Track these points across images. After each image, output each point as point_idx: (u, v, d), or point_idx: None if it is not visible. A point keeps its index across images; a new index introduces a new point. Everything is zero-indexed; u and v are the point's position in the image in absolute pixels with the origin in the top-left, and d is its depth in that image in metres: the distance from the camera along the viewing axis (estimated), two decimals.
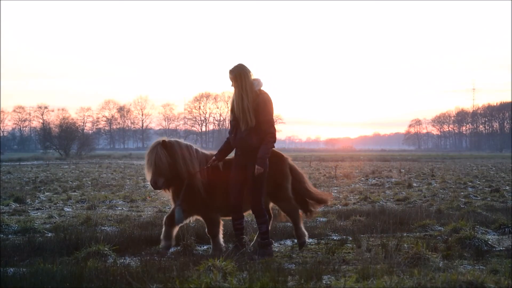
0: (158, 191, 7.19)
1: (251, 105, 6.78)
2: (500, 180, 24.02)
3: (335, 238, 8.61)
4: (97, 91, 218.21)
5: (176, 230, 7.28)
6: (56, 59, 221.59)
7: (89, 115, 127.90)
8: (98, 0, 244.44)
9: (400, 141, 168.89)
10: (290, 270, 6.00)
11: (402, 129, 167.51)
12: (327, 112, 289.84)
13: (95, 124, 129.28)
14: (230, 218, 7.19)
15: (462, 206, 13.07)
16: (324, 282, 5.43)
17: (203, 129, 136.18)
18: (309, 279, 5.43)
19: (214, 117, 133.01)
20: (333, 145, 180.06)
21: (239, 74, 6.82)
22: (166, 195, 7.36)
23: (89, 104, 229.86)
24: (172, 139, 7.05)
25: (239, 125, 6.89)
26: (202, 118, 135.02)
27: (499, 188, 18.55)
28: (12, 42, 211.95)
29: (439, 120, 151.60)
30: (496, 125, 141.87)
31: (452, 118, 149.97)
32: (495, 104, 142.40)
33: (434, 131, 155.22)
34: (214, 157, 7.09)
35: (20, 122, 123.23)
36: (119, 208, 13.69)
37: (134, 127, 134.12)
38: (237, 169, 6.98)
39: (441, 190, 18.63)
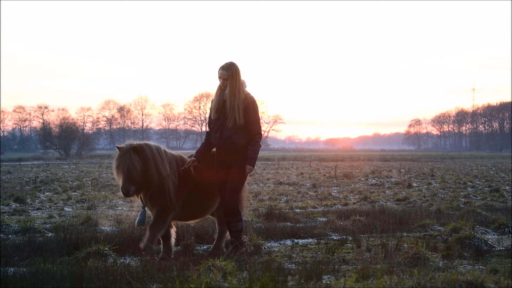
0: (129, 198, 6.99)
1: (241, 104, 6.74)
2: (500, 180, 24.03)
3: (335, 238, 8.61)
4: (97, 91, 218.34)
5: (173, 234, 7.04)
6: (56, 59, 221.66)
7: (89, 115, 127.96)
8: (98, 0, 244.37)
9: (400, 141, 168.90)
10: (290, 270, 6.00)
11: (402, 129, 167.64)
12: (327, 112, 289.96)
13: (95, 124, 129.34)
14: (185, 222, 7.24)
15: (462, 206, 13.08)
16: (324, 282, 5.43)
17: (203, 129, 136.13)
18: (309, 279, 5.43)
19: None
20: (333, 145, 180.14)
21: (235, 72, 6.74)
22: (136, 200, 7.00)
23: (89, 104, 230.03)
24: (142, 143, 6.73)
25: (224, 124, 6.74)
26: (202, 118, 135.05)
27: (499, 188, 18.55)
28: (12, 42, 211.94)
29: (439, 120, 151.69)
30: (496, 125, 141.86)
31: (452, 118, 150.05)
32: (495, 104, 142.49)
33: (434, 131, 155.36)
34: (194, 158, 6.88)
35: (20, 122, 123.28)
36: (119, 208, 13.69)
37: (134, 127, 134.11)
38: (223, 169, 6.84)
39: (441, 190, 18.64)
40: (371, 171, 31.77)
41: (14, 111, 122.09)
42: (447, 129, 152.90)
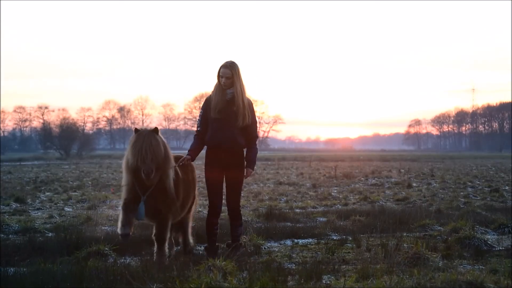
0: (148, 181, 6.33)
1: (247, 104, 6.67)
2: (500, 180, 24.03)
3: (335, 238, 8.61)
4: (98, 91, 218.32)
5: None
6: (56, 59, 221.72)
7: (89, 115, 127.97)
8: (98, 0, 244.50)
9: (399, 141, 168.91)
10: (290, 269, 6.00)
11: (402, 129, 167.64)
12: (327, 112, 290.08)
13: (96, 124, 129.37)
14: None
15: (461, 206, 13.08)
16: (324, 282, 5.43)
17: None
18: (309, 279, 5.43)
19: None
20: (333, 145, 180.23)
21: (239, 71, 6.65)
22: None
23: (90, 104, 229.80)
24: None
25: (229, 124, 6.60)
26: None
27: (499, 188, 18.56)
28: (12, 42, 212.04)
29: (439, 120, 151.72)
30: (495, 125, 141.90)
31: (452, 118, 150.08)
32: (494, 104, 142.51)
33: (434, 131, 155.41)
34: (188, 155, 6.66)
35: (20, 122, 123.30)
36: (120, 208, 13.66)
37: (135, 127, 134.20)
38: (218, 169, 6.70)
39: (440, 190, 18.64)
40: (371, 171, 31.78)
41: (15, 111, 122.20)
42: (447, 129, 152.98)
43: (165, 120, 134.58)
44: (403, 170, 33.50)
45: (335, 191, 18.76)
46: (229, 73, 6.58)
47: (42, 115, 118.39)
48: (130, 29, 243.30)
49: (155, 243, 6.56)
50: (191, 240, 7.37)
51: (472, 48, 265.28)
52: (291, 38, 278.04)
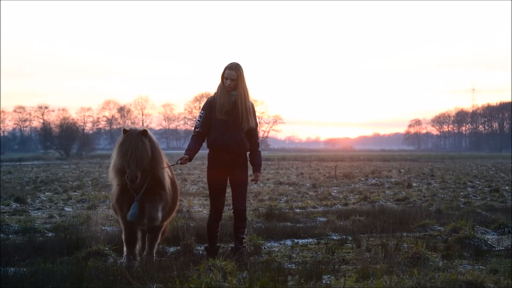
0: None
1: (251, 106, 6.63)
2: (500, 180, 24.03)
3: (335, 238, 8.61)
4: (98, 91, 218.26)
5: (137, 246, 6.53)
6: (56, 59, 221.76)
7: (89, 115, 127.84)
8: (98, 0, 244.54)
9: (399, 141, 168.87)
10: (290, 269, 6.00)
11: (402, 129, 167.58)
12: (327, 112, 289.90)
13: (96, 124, 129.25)
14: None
15: (461, 206, 13.08)
16: (324, 282, 5.43)
17: None
18: (309, 279, 5.43)
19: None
20: (333, 145, 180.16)
21: (243, 73, 6.57)
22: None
23: (90, 104, 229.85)
24: (146, 128, 6.32)
25: (235, 126, 6.52)
26: None
27: (499, 188, 18.56)
28: (12, 42, 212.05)
29: (439, 120, 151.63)
30: (495, 125, 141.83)
31: (452, 118, 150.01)
32: (494, 104, 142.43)
33: (434, 131, 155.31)
34: (186, 155, 6.46)
35: (20, 122, 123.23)
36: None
37: (135, 127, 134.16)
38: (222, 172, 6.60)
39: (440, 190, 18.64)
40: (371, 171, 31.78)
41: (14, 111, 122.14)
42: (447, 129, 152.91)
43: (165, 120, 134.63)
44: (403, 170, 33.50)
45: (335, 191, 18.76)
46: (234, 75, 6.49)
47: (42, 115, 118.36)
48: (130, 29, 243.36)
49: (147, 245, 6.46)
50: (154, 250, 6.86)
51: (472, 48, 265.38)
52: (291, 38, 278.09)
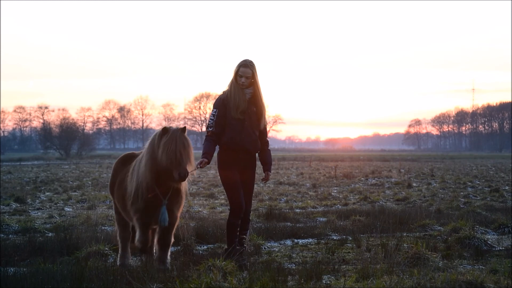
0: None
1: (264, 105, 6.50)
2: (500, 180, 24.03)
3: (335, 238, 8.61)
4: (98, 91, 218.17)
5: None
6: (56, 59, 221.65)
7: (89, 115, 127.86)
8: (98, 0, 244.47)
9: (399, 141, 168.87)
10: (290, 269, 6.00)
11: (402, 129, 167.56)
12: (327, 112, 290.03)
13: (96, 124, 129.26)
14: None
15: (461, 206, 13.07)
16: (324, 282, 5.43)
17: (203, 129, 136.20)
18: (309, 279, 5.43)
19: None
20: (333, 145, 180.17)
21: (256, 70, 6.42)
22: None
23: (90, 104, 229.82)
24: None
25: (252, 126, 6.39)
26: (202, 118, 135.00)
27: (499, 188, 18.55)
28: (12, 42, 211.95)
29: (439, 120, 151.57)
30: (495, 125, 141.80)
31: (452, 118, 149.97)
32: (494, 104, 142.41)
33: (434, 131, 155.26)
34: (205, 159, 6.25)
35: (20, 122, 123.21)
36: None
37: (135, 127, 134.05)
38: (235, 171, 6.41)
39: (440, 190, 18.63)
40: (371, 171, 31.77)
41: (14, 111, 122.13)
42: (447, 129, 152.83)
43: (165, 120, 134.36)
44: (403, 170, 33.49)
45: (335, 191, 18.75)
46: (249, 73, 6.33)
47: (42, 115, 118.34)
48: (130, 29, 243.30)
49: (159, 249, 6.12)
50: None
51: (472, 48, 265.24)
52: (291, 38, 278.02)
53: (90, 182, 23.12)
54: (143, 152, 6.11)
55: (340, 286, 5.16)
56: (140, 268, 5.74)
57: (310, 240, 8.54)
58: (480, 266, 6.28)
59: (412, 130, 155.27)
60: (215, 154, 6.60)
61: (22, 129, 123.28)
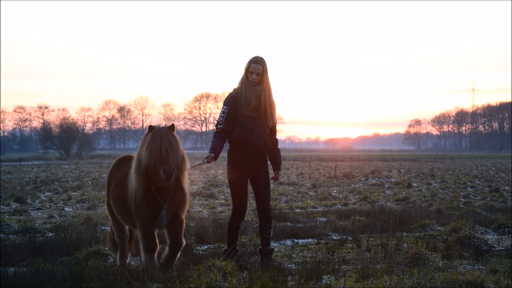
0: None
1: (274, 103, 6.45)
2: (500, 180, 24.02)
3: (335, 238, 8.61)
4: (98, 91, 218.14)
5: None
6: (56, 59, 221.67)
7: (89, 115, 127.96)
8: (98, 0, 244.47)
9: (399, 141, 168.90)
10: (290, 269, 6.00)
11: (402, 129, 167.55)
12: (327, 112, 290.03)
13: (96, 124, 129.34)
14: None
15: (461, 206, 13.07)
16: (324, 282, 5.43)
17: (203, 129, 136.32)
18: (309, 279, 5.43)
19: (214, 117, 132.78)
20: (333, 145, 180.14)
21: (267, 67, 6.34)
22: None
23: (90, 104, 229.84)
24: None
25: (262, 123, 6.30)
26: (202, 118, 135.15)
27: (499, 188, 18.55)
28: (12, 42, 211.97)
29: (439, 120, 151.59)
30: (495, 125, 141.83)
31: (452, 118, 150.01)
32: (494, 104, 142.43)
33: (434, 131, 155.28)
34: (212, 153, 6.11)
35: (20, 122, 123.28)
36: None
37: (135, 127, 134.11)
38: (244, 170, 6.32)
39: (440, 190, 18.63)
40: (371, 171, 31.77)
41: (14, 111, 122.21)
42: (447, 129, 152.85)
43: (165, 120, 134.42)
44: (403, 170, 33.48)
45: (335, 191, 18.75)
46: (260, 69, 6.24)
47: (42, 115, 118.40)
48: (130, 29, 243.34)
49: (170, 252, 5.95)
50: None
51: (472, 48, 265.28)
52: (291, 38, 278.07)
53: (90, 182, 23.12)
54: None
55: (340, 286, 5.16)
56: (140, 268, 5.74)
57: (310, 240, 8.54)
58: (480, 266, 6.28)
59: (412, 130, 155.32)
60: (221, 153, 6.46)
61: (22, 129, 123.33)
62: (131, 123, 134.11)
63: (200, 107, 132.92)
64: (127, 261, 6.53)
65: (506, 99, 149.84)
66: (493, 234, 8.83)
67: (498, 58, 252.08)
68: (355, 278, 5.38)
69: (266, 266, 5.99)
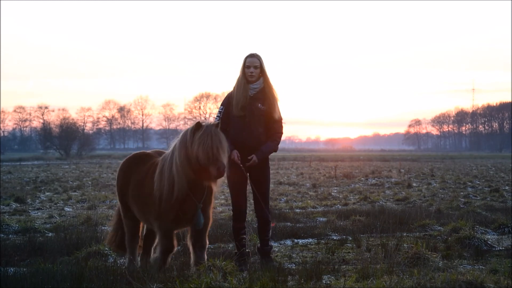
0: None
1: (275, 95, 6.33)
2: (500, 180, 24.02)
3: (335, 238, 8.61)
4: (98, 91, 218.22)
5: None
6: (56, 59, 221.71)
7: (89, 115, 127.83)
8: (98, 0, 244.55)
9: (399, 141, 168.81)
10: (290, 270, 6.00)
11: (402, 129, 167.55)
12: (327, 112, 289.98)
13: (96, 124, 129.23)
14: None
15: (461, 206, 13.07)
16: (324, 282, 5.43)
17: None
18: (309, 279, 5.43)
19: (214, 117, 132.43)
20: (333, 145, 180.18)
21: (263, 62, 6.30)
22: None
23: (90, 104, 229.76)
24: None
25: (252, 122, 6.21)
26: (202, 118, 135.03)
27: (499, 188, 18.55)
28: (12, 42, 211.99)
29: (439, 120, 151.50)
30: (495, 125, 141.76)
31: (452, 118, 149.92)
32: (494, 104, 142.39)
33: (434, 131, 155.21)
34: (234, 150, 6.17)
35: (20, 122, 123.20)
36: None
37: (135, 127, 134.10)
38: (241, 169, 6.23)
39: (440, 190, 18.63)
40: (371, 171, 31.77)
41: (14, 111, 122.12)
42: (447, 129, 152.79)
43: (165, 120, 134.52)
44: (403, 170, 33.48)
45: (335, 191, 18.75)
46: (257, 62, 6.20)
47: (42, 115, 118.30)
48: (131, 29, 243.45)
49: (196, 251, 5.87)
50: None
51: (472, 48, 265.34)
52: (291, 38, 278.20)
53: (90, 182, 23.13)
54: (171, 150, 5.83)
55: (340, 286, 5.16)
56: (140, 268, 5.74)
57: (310, 240, 8.54)
58: (480, 266, 6.28)
59: (412, 130, 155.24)
60: None
61: (22, 129, 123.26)
62: (131, 123, 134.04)
63: (200, 107, 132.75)
64: (137, 267, 6.16)
65: (506, 99, 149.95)
66: (493, 234, 8.83)
67: (498, 58, 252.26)
68: (355, 278, 5.38)
69: (265, 266, 6.00)
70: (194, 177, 5.59)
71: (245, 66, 6.24)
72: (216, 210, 12.63)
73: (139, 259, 6.34)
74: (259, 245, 6.61)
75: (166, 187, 5.69)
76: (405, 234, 8.61)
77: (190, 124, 6.20)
